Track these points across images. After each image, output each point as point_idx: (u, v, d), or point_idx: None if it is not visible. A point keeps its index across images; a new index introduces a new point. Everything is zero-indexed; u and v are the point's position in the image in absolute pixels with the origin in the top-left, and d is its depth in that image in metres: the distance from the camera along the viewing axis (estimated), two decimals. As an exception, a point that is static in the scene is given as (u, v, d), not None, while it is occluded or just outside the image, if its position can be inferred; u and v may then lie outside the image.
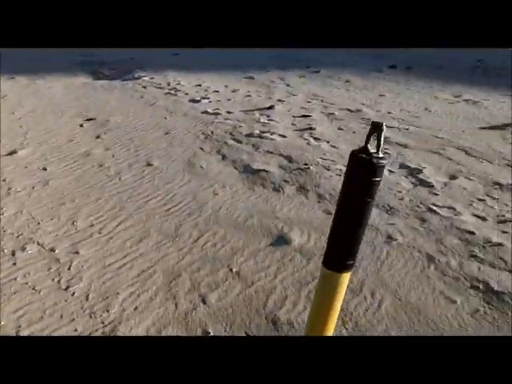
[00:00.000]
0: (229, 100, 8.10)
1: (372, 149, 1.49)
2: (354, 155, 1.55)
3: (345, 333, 2.65)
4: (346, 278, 1.63)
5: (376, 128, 1.46)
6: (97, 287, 3.03)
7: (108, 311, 2.82)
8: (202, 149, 5.63)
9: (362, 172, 1.52)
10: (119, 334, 2.64)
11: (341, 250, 1.62)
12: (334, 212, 1.56)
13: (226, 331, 2.68)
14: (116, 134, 6.20)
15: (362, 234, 1.62)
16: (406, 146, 5.49)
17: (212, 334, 2.64)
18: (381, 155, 1.49)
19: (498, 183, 4.47)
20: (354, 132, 6.11)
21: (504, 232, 3.62)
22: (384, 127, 1.45)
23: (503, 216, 3.87)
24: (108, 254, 3.40)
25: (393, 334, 2.63)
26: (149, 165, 5.13)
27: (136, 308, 2.86)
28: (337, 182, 4.49)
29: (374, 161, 1.45)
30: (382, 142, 1.47)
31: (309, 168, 4.85)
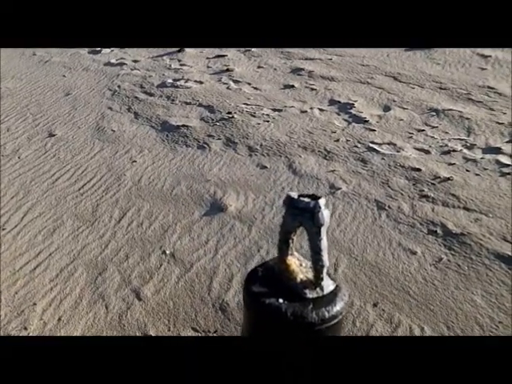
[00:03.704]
0: (133, 47, 7.36)
1: (300, 269, 0.68)
2: (259, 304, 0.68)
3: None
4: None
5: (307, 208, 0.66)
6: (8, 300, 2.54)
7: (26, 329, 2.36)
8: (110, 108, 5.02)
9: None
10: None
11: None
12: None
13: (169, 330, 2.30)
14: (9, 103, 5.42)
15: None
16: (332, 79, 5.11)
17: (154, 335, 2.26)
18: (329, 287, 0.69)
19: (433, 109, 4.21)
20: (274, 69, 5.65)
21: (450, 164, 3.39)
22: (324, 212, 0.69)
23: (446, 146, 3.63)
24: (17, 254, 2.89)
25: (356, 301, 2.36)
26: (51, 135, 4.49)
27: (60, 319, 2.41)
28: (266, 130, 4.08)
29: (312, 319, 0.65)
30: (326, 262, 0.70)
31: (233, 117, 4.39)
